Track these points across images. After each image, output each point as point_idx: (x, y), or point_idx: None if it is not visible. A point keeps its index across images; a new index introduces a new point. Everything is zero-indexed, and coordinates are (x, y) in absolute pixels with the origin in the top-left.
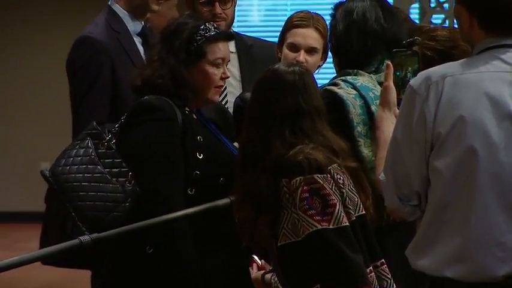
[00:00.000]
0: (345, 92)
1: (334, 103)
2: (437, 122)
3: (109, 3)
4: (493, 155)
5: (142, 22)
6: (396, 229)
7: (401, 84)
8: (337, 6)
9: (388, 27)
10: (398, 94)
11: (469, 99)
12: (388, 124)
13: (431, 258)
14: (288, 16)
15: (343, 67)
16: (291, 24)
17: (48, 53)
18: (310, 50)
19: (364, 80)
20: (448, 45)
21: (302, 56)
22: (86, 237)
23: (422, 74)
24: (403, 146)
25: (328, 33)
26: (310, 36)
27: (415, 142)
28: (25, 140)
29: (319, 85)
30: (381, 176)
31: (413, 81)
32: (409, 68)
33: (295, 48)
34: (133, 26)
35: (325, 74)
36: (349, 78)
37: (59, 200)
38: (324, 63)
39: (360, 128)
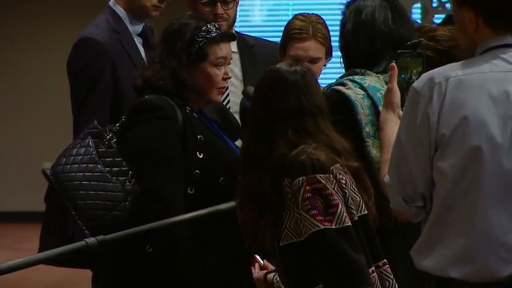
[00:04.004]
0: (353, 92)
1: (342, 103)
2: (441, 123)
3: (110, 3)
4: (497, 156)
5: (143, 22)
6: (404, 230)
7: (406, 86)
8: (348, 4)
9: (395, 28)
10: (403, 96)
11: (473, 100)
12: (392, 126)
13: (435, 259)
14: (289, 16)
15: (351, 66)
16: (290, 36)
17: (49, 54)
18: (313, 60)
19: (371, 80)
20: (448, 45)
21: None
22: (92, 239)
23: (425, 76)
24: (407, 147)
25: (337, 32)
26: (310, 49)
27: (419, 143)
28: (25, 140)
29: (324, 85)
30: (386, 178)
31: (417, 83)
32: (414, 70)
33: (297, 61)
34: (134, 27)
35: (330, 73)
36: (356, 78)
37: (60, 199)
38: (329, 60)
39: (368, 129)
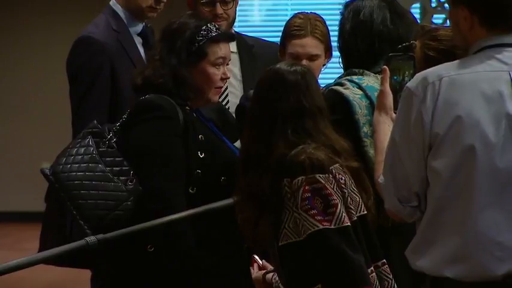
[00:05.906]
0: (351, 92)
1: (340, 104)
2: (434, 122)
3: (110, 3)
4: (490, 155)
5: (143, 22)
6: (401, 230)
7: (398, 89)
8: (347, 5)
9: (393, 28)
10: (395, 98)
11: (466, 100)
12: (385, 127)
13: (430, 258)
14: (288, 16)
15: (350, 66)
16: (289, 34)
17: (48, 53)
18: (311, 57)
19: (369, 80)
20: (450, 44)
21: (304, 63)
22: (92, 238)
23: (418, 76)
24: (401, 147)
25: (336, 32)
26: (308, 45)
27: (413, 143)
28: (25, 140)
29: (323, 84)
30: (380, 179)
31: (410, 83)
32: (406, 72)
33: (296, 58)
34: (134, 26)
35: (329, 73)
36: (355, 78)
37: (60, 199)
38: (329, 60)
39: (365, 129)
